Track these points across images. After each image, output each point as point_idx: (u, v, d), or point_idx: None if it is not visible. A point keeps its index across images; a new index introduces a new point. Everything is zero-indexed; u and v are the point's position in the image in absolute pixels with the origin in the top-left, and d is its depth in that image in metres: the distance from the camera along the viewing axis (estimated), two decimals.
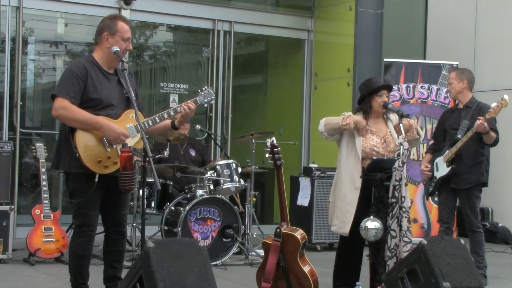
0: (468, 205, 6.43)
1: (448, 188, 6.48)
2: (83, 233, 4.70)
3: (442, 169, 6.46)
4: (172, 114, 4.83)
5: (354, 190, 5.24)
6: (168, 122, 4.91)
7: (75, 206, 4.70)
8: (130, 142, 4.69)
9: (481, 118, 6.09)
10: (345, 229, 5.30)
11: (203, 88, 5.03)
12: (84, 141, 4.55)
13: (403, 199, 5.08)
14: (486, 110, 6.28)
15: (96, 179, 4.56)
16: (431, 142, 7.00)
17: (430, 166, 6.60)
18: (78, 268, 4.74)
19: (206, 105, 5.11)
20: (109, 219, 4.85)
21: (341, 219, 5.32)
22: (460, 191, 6.46)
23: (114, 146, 4.61)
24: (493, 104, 6.14)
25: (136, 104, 4.69)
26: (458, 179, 6.40)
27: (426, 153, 7.08)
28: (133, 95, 4.69)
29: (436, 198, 7.06)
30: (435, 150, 6.70)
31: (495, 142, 6.36)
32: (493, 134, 6.26)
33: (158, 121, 4.79)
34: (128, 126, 4.69)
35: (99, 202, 4.71)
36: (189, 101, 4.87)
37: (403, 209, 5.08)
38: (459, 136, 6.33)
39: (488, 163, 6.54)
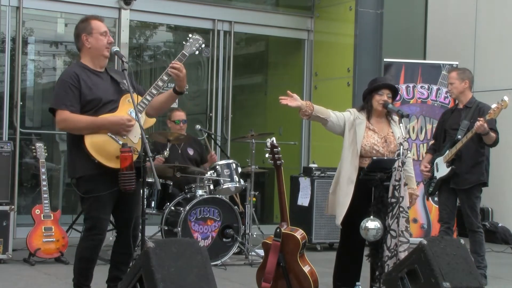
0: (468, 205, 6.43)
1: (448, 188, 6.48)
2: (92, 236, 4.68)
3: (442, 170, 6.46)
4: (166, 78, 4.75)
5: (350, 184, 5.23)
6: (169, 91, 4.86)
7: (87, 209, 4.69)
8: (138, 126, 4.66)
9: (481, 119, 6.09)
10: (338, 221, 5.31)
11: (188, 38, 4.87)
12: (95, 146, 4.56)
13: (401, 199, 5.08)
14: (486, 111, 6.28)
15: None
16: (431, 142, 7.01)
17: (429, 167, 6.61)
18: (83, 270, 4.73)
19: (197, 53, 4.95)
20: (123, 222, 4.83)
21: (337, 211, 5.32)
22: (460, 191, 6.46)
23: (124, 137, 4.61)
24: (493, 106, 6.14)
25: (138, 90, 4.68)
26: (458, 179, 6.40)
27: (426, 153, 7.09)
28: (129, 84, 4.64)
29: (436, 198, 7.07)
30: (435, 150, 6.70)
31: (495, 143, 6.36)
32: (493, 134, 6.26)
33: (154, 92, 4.71)
34: (129, 111, 4.68)
35: (111, 207, 4.70)
36: (173, 61, 4.74)
37: (401, 209, 5.08)
38: (459, 136, 6.33)
39: (488, 163, 6.54)
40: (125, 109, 4.68)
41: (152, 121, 4.86)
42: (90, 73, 4.70)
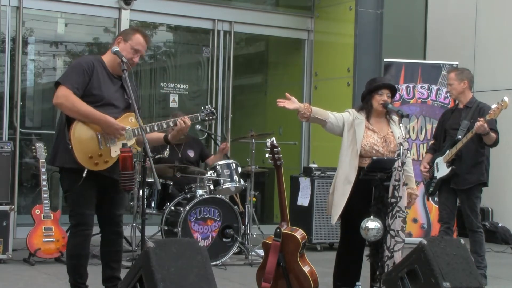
0: (468, 205, 6.44)
1: (448, 188, 6.48)
2: (79, 232, 4.71)
3: (443, 170, 6.46)
4: (172, 125, 4.89)
5: (347, 184, 5.24)
6: (160, 135, 4.95)
7: (71, 206, 4.72)
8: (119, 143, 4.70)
9: (481, 119, 6.09)
10: (332, 220, 5.32)
11: (207, 107, 5.17)
12: (78, 135, 4.57)
13: (398, 198, 5.08)
14: (487, 111, 6.29)
15: (84, 174, 4.56)
16: (432, 142, 7.01)
17: (429, 167, 6.60)
18: (76, 268, 4.75)
19: (206, 124, 5.21)
20: (104, 219, 4.86)
21: (333, 210, 5.32)
22: (460, 191, 6.46)
23: (108, 145, 4.63)
24: (493, 106, 6.15)
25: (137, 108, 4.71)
26: (459, 179, 6.40)
27: (426, 153, 7.09)
28: (134, 100, 4.71)
29: (436, 198, 7.07)
30: (435, 150, 6.70)
31: (496, 143, 6.36)
32: (493, 134, 6.26)
33: (156, 129, 4.84)
34: (126, 129, 4.70)
35: (94, 202, 4.72)
36: (186, 117, 4.92)
37: (398, 209, 5.08)
38: (459, 136, 6.34)
39: (488, 163, 6.54)
40: (124, 125, 4.70)
41: (137, 149, 4.87)
42: (105, 72, 4.74)
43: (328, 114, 5.33)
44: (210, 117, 5.14)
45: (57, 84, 4.63)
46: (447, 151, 6.43)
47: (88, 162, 4.58)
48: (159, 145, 7.27)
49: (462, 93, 6.55)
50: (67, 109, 4.60)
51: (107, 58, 4.81)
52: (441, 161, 6.48)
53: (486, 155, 6.51)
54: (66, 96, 4.56)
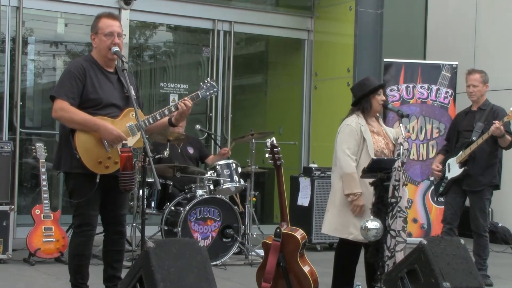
0: (479, 207, 6.41)
1: (457, 189, 6.46)
2: (82, 232, 4.70)
3: (454, 170, 6.43)
4: (173, 110, 4.84)
5: (368, 196, 5.21)
6: (165, 120, 4.91)
7: (75, 206, 4.71)
8: (131, 141, 4.69)
9: (498, 122, 6.08)
10: (355, 238, 5.25)
11: (205, 81, 5.04)
12: (84, 142, 4.56)
13: (399, 198, 5.08)
14: (501, 113, 6.29)
15: (98, 180, 4.57)
16: (444, 143, 6.95)
17: (441, 167, 6.57)
18: (78, 268, 4.74)
19: (208, 98, 5.12)
20: (108, 219, 4.85)
21: (358, 226, 5.24)
22: (471, 193, 6.44)
23: (114, 146, 4.62)
24: None
25: (136, 103, 4.69)
26: (471, 180, 6.38)
27: (438, 153, 6.99)
28: (133, 93, 4.70)
29: (436, 198, 7.05)
30: (447, 151, 6.67)
31: (510, 145, 6.34)
32: (508, 137, 6.24)
33: (158, 118, 4.79)
34: (129, 125, 4.69)
35: (98, 202, 4.72)
36: (186, 98, 4.88)
37: (399, 209, 5.08)
38: (473, 138, 6.30)
39: (501, 166, 6.50)
40: (126, 122, 4.70)
41: (142, 143, 4.86)
42: (98, 71, 4.70)
43: (353, 167, 5.24)
44: (211, 91, 5.04)
45: (52, 97, 4.61)
46: (460, 152, 6.40)
47: (99, 167, 4.58)
48: (159, 145, 7.30)
49: (483, 95, 6.51)
50: (66, 121, 4.60)
51: (96, 54, 4.77)
52: (453, 162, 6.45)
53: (499, 158, 6.48)
54: (63, 109, 4.54)
